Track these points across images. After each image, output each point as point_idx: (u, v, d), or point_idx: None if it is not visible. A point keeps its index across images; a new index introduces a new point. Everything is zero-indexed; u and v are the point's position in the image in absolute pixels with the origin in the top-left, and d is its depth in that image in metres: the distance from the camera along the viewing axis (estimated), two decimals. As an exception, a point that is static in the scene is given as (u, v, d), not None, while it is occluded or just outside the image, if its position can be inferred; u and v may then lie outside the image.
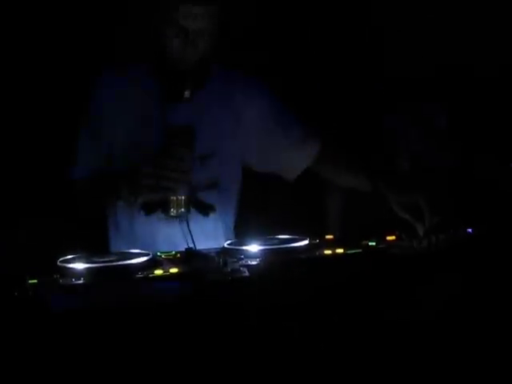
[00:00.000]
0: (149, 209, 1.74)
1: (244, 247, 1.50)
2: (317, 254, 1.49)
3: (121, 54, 2.16)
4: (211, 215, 1.80)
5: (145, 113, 1.78)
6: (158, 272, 1.35)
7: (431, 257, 1.56)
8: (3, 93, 2.33)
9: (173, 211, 1.64)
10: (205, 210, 1.78)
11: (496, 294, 1.51)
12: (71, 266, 1.36)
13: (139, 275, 1.34)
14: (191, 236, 1.66)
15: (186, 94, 1.70)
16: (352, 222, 1.85)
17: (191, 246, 1.58)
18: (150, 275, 1.33)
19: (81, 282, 1.30)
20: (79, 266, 1.35)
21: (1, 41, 2.33)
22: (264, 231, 1.65)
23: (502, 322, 1.50)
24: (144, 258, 1.41)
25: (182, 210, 1.64)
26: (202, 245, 1.66)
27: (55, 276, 1.33)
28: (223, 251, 1.53)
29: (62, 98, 2.35)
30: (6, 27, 2.33)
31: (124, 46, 2.22)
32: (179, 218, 1.68)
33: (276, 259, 1.45)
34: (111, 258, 1.42)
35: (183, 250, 1.54)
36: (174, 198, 1.63)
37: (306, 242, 1.54)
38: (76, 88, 2.14)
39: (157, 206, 1.72)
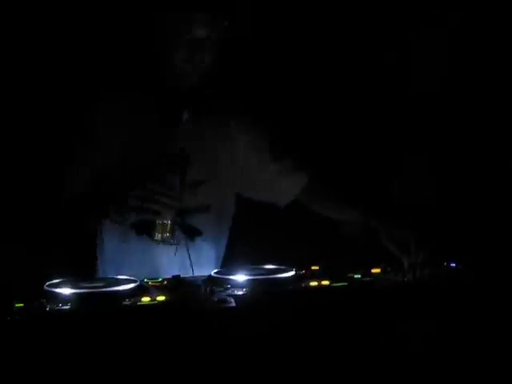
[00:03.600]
0: (139, 229, 1.72)
1: (231, 276, 1.51)
2: (302, 285, 1.50)
3: (116, 72, 2.14)
4: (201, 241, 1.80)
5: (140, 136, 1.77)
6: (145, 299, 1.35)
7: (416, 290, 1.57)
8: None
9: (157, 235, 1.64)
10: (191, 234, 1.78)
11: (480, 328, 1.52)
12: (58, 290, 1.36)
13: (126, 302, 1.34)
14: (190, 262, 1.67)
15: (185, 115, 1.70)
16: (338, 254, 1.86)
17: (184, 272, 1.58)
18: (138, 303, 1.34)
19: (67, 307, 1.30)
20: (66, 291, 1.35)
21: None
22: (253, 260, 1.66)
23: (487, 352, 1.51)
24: (131, 285, 1.41)
25: (167, 235, 1.63)
26: (196, 271, 1.67)
27: (42, 300, 1.33)
28: (210, 280, 1.54)
29: (50, 120, 2.33)
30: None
31: (120, 64, 2.21)
32: (163, 243, 1.66)
33: (262, 289, 1.46)
34: (98, 284, 1.43)
35: (170, 277, 1.54)
36: (160, 222, 1.63)
37: (292, 272, 1.55)
38: (66, 109, 2.14)
39: (141, 231, 1.71)
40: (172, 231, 1.64)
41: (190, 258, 1.69)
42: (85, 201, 1.77)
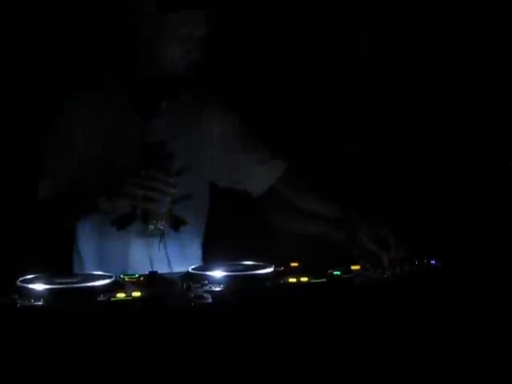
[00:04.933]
0: (120, 224, 1.67)
1: (208, 272, 1.49)
2: (281, 281, 1.49)
3: (93, 64, 2.10)
4: (184, 232, 1.75)
5: (118, 127, 1.76)
6: (120, 295, 1.33)
7: (395, 287, 1.56)
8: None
9: (151, 225, 1.61)
10: (177, 224, 1.71)
11: (460, 324, 1.52)
12: (31, 286, 1.33)
13: (101, 298, 1.32)
14: (167, 256, 1.66)
15: (163, 105, 1.69)
16: (317, 251, 1.85)
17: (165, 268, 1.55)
18: (112, 298, 1.31)
19: (40, 303, 1.28)
20: (39, 286, 1.32)
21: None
22: (232, 256, 1.64)
23: (467, 349, 1.51)
24: (106, 281, 1.39)
25: (162, 223, 1.61)
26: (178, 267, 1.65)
27: (13, 296, 1.30)
28: (187, 276, 1.52)
29: (26, 112, 2.28)
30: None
31: (97, 56, 2.17)
32: (156, 233, 1.64)
33: (240, 286, 1.44)
34: (73, 280, 1.40)
35: (147, 272, 1.52)
36: (154, 210, 1.60)
37: (270, 269, 1.54)
38: (44, 100, 2.09)
39: (128, 221, 1.65)
40: (167, 220, 1.61)
41: (166, 254, 1.66)
42: (63, 196, 1.74)
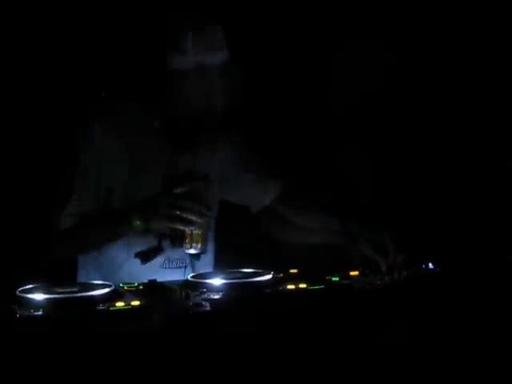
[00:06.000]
0: (145, 257, 1.66)
1: (207, 280, 1.49)
2: (280, 288, 1.49)
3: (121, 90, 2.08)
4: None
5: (146, 158, 1.75)
6: (120, 304, 1.33)
7: (394, 293, 1.57)
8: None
9: (186, 245, 1.61)
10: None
11: (458, 330, 1.52)
12: (30, 296, 1.33)
13: (100, 307, 1.32)
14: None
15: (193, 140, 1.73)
16: (316, 257, 1.85)
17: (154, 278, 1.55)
18: (111, 308, 1.32)
19: (39, 313, 1.28)
20: (38, 296, 1.33)
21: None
22: (231, 263, 1.65)
23: (466, 353, 1.51)
24: (106, 290, 1.39)
25: (198, 245, 1.61)
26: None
27: (13, 306, 1.30)
28: (186, 284, 1.52)
29: (51, 136, 2.28)
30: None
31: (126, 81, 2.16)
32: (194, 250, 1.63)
33: (239, 293, 1.44)
34: (72, 289, 1.40)
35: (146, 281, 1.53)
36: (190, 232, 1.59)
37: (269, 276, 1.54)
38: (69, 125, 2.02)
39: (154, 254, 1.66)
40: (203, 241, 1.61)
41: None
42: (87, 223, 1.71)
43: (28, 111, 2.33)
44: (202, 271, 1.72)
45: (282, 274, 1.61)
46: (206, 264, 1.84)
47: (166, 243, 1.68)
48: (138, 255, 1.66)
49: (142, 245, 1.69)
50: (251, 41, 2.36)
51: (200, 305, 1.34)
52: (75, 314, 1.29)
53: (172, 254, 1.74)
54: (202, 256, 1.73)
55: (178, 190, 1.58)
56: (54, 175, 1.82)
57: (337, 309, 1.45)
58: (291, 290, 1.48)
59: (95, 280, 1.58)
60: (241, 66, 1.71)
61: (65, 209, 1.71)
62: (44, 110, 2.33)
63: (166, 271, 1.73)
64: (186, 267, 1.78)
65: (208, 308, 1.33)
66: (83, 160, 1.74)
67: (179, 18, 1.69)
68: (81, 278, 1.83)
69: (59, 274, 1.72)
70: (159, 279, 1.55)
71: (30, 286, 1.41)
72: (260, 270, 1.58)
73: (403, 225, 2.02)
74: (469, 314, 1.54)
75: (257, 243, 2.31)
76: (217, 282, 1.48)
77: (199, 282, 1.50)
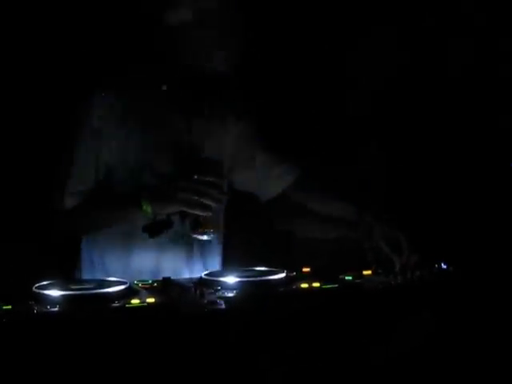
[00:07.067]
0: (153, 231, 1.60)
1: (221, 278, 1.50)
2: (293, 287, 1.50)
3: (126, 57, 1.90)
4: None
5: (153, 126, 1.67)
6: (135, 301, 1.34)
7: (407, 292, 1.57)
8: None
9: (201, 231, 1.59)
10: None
11: (471, 329, 1.52)
12: (47, 292, 1.35)
13: (115, 304, 1.33)
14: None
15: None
16: (329, 256, 1.86)
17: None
18: (127, 305, 1.33)
19: (56, 309, 1.29)
20: (55, 292, 1.34)
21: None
22: (244, 261, 1.65)
23: (479, 353, 1.51)
24: (121, 287, 1.40)
25: (211, 231, 1.59)
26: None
27: (30, 302, 1.32)
28: (200, 282, 1.53)
29: (52, 108, 2.19)
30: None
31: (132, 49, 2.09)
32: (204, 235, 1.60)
33: (253, 291, 1.45)
34: (88, 286, 1.41)
35: (161, 278, 1.53)
36: (204, 217, 1.57)
37: (282, 274, 1.55)
38: (68, 98, 1.93)
39: (163, 228, 1.60)
40: (217, 227, 1.61)
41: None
42: (90, 203, 1.66)
43: (27, 84, 2.24)
44: (210, 258, 1.73)
45: (294, 273, 1.61)
46: (214, 252, 1.82)
47: (174, 217, 1.62)
48: (145, 229, 1.60)
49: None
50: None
51: (215, 302, 1.35)
52: (91, 310, 1.31)
53: (181, 228, 1.65)
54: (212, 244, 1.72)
55: (196, 176, 1.54)
56: (53, 153, 1.75)
57: (351, 308, 1.45)
58: (305, 288, 1.48)
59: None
60: (244, 14, 1.65)
61: (66, 186, 1.66)
62: (42, 84, 2.24)
63: (173, 248, 1.68)
64: (192, 245, 1.72)
65: (223, 306, 1.34)
66: (82, 135, 1.66)
67: None
68: (84, 264, 1.79)
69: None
70: (165, 256, 1.55)
71: (47, 282, 1.42)
72: (274, 269, 1.58)
73: (416, 224, 2.02)
74: (482, 314, 1.54)
75: (268, 239, 2.31)
76: (231, 280, 1.49)
77: (213, 280, 1.51)
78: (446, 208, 2.31)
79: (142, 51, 1.73)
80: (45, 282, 1.42)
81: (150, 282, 1.54)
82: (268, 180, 1.87)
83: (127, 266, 1.72)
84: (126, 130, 1.66)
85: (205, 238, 1.61)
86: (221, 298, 1.38)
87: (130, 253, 1.71)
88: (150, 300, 1.35)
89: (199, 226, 1.59)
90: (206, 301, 1.36)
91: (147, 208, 1.55)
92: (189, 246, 1.74)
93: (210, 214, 1.55)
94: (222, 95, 1.76)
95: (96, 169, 1.68)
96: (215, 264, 1.83)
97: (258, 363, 1.33)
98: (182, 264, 1.75)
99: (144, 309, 1.32)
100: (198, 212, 1.55)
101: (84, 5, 2.24)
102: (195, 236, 1.61)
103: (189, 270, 1.76)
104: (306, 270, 1.65)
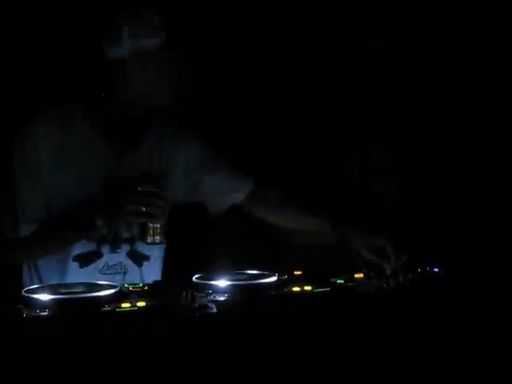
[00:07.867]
0: (83, 261, 1.69)
1: (213, 282, 1.49)
2: (285, 290, 1.49)
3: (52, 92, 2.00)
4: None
5: (89, 160, 1.72)
6: (125, 305, 1.33)
7: (398, 295, 1.57)
8: None
9: (149, 239, 1.66)
10: (140, 259, 1.77)
11: (462, 332, 1.53)
12: (36, 296, 1.33)
13: (106, 308, 1.32)
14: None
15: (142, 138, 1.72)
16: (321, 259, 1.85)
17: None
18: (117, 309, 1.32)
19: (45, 313, 1.28)
20: (44, 296, 1.33)
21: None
22: (235, 265, 1.65)
23: (470, 356, 1.51)
24: (111, 291, 1.39)
25: (157, 237, 1.65)
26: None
27: (19, 306, 1.30)
28: (191, 285, 1.52)
29: None
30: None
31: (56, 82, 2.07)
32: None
33: (244, 295, 1.44)
34: (78, 290, 1.40)
35: (151, 282, 1.53)
36: (151, 225, 1.65)
37: (274, 278, 1.54)
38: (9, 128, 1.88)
39: (92, 258, 1.69)
40: (163, 232, 1.66)
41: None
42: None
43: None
44: (147, 278, 1.73)
45: (286, 276, 1.61)
46: (153, 270, 1.81)
47: (104, 248, 1.70)
48: (76, 258, 1.69)
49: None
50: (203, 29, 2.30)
51: (206, 306, 1.34)
52: (81, 314, 1.29)
53: (110, 259, 1.73)
54: (150, 262, 1.77)
55: (140, 188, 1.61)
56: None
57: (343, 312, 1.45)
58: (297, 292, 1.48)
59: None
60: (185, 53, 1.69)
61: (14, 214, 1.68)
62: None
63: (104, 277, 1.69)
64: (125, 273, 1.76)
65: (214, 310, 1.33)
66: (26, 165, 1.68)
67: (113, 8, 1.66)
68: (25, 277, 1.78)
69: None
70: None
71: (36, 286, 1.41)
72: (265, 272, 1.58)
73: (407, 227, 2.01)
74: (474, 316, 1.54)
75: (254, 243, 2.31)
76: (222, 283, 1.48)
77: (205, 284, 1.50)
78: (443, 210, 2.31)
79: (80, 84, 1.77)
80: (34, 286, 1.41)
81: (141, 285, 1.53)
82: (224, 195, 1.89)
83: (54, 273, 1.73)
84: (58, 162, 1.70)
85: (153, 244, 1.67)
86: (212, 301, 1.38)
87: (65, 277, 1.73)
88: (141, 304, 1.34)
89: (147, 234, 1.65)
90: (196, 304, 1.36)
91: (101, 223, 1.62)
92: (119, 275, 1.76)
93: (156, 221, 1.63)
94: (160, 126, 1.80)
95: (44, 197, 1.70)
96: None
97: (249, 367, 1.32)
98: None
99: (135, 313, 1.31)
100: (144, 220, 1.64)
101: (24, 33, 2.23)
102: (144, 243, 1.68)
103: None
104: (297, 273, 1.65)
